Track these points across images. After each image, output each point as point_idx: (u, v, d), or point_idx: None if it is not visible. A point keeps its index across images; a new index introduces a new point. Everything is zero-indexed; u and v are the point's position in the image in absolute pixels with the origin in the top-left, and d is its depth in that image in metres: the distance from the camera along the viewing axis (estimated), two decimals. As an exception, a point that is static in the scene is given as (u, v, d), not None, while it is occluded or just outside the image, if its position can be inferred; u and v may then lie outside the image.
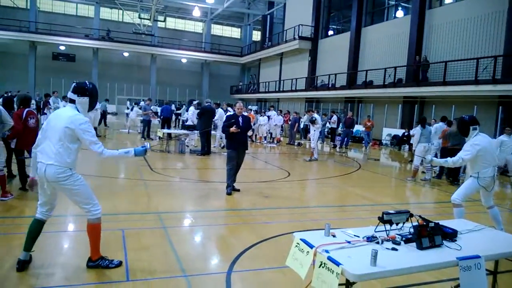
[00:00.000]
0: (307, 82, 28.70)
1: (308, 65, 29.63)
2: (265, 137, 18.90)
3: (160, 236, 4.73)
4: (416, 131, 10.19)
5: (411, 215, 3.01)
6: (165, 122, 15.84)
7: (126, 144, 14.46)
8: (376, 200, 7.67)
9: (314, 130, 12.47)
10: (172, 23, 43.62)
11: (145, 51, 38.82)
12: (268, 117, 18.95)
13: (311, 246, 2.58)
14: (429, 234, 2.72)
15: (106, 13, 40.92)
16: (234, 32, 47.10)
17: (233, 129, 7.04)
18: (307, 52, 29.66)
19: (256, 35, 44.64)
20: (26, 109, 6.33)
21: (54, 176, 3.35)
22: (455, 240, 2.91)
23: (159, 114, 18.52)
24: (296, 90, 29.49)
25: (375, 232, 2.93)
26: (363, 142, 19.30)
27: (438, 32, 18.98)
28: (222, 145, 14.49)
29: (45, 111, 15.31)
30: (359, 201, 7.63)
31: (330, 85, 25.39)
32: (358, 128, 21.61)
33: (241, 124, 7.19)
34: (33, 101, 25.95)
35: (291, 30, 30.22)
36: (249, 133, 12.64)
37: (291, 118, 20.28)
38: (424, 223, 2.79)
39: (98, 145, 3.45)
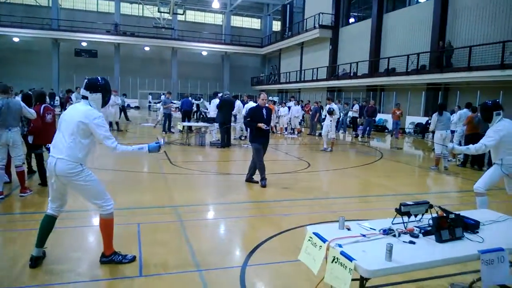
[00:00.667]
0: (328, 71, 28.25)
1: (329, 54, 29.15)
2: (285, 128, 18.76)
3: (176, 230, 4.73)
4: (432, 118, 9.85)
5: (431, 206, 2.87)
6: (186, 115, 15.91)
7: (146, 139, 14.65)
8: (398, 190, 7.47)
9: (331, 121, 12.25)
10: (192, 16, 43.69)
11: (166, 44, 39.13)
12: (289, 107, 18.78)
13: (324, 240, 2.50)
14: (449, 226, 2.58)
15: (127, 8, 41.35)
16: (254, 23, 46.78)
17: (261, 125, 6.88)
18: (328, 41, 29.16)
19: (276, 25, 44.19)
20: (43, 105, 6.44)
21: (64, 171, 3.34)
22: (477, 232, 2.75)
23: (179, 107, 18.63)
24: (317, 80, 29.09)
25: (392, 224, 2.82)
26: (393, 131, 18.44)
27: (462, 16, 18.23)
28: (243, 137, 14.48)
29: (67, 107, 15.66)
30: (381, 191, 7.45)
31: (351, 74, 24.91)
32: (381, 116, 21.13)
33: (265, 117, 7.08)
34: (57, 98, 26.59)
35: (311, 19, 29.75)
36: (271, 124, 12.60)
37: (311, 108, 20.02)
38: (444, 215, 2.65)
39: (111, 140, 3.44)
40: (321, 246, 2.51)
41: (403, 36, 21.99)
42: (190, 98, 17.36)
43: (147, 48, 40.07)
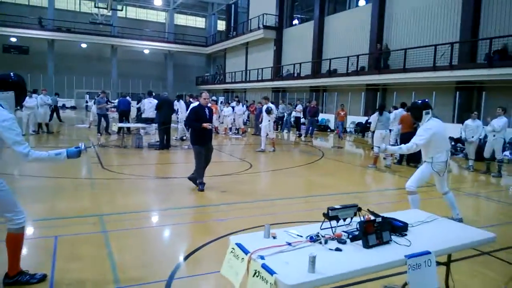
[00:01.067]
0: (273, 71, 28.46)
1: (274, 54, 29.39)
2: (230, 129, 18.53)
3: (98, 242, 4.29)
4: (372, 118, 10.15)
5: (359, 209, 2.76)
6: (123, 116, 15.12)
7: (78, 141, 13.71)
8: (340, 189, 7.51)
9: (269, 121, 12.17)
10: (133, 12, 42.14)
11: (105, 41, 37.34)
12: (233, 107, 18.57)
13: (246, 252, 2.28)
14: (376, 230, 2.47)
15: (62, 2, 38.90)
16: (198, 22, 46.08)
17: (206, 124, 6.51)
18: (272, 42, 29.39)
19: (221, 25, 43.85)
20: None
21: None
22: (406, 235, 2.68)
23: (117, 107, 17.71)
24: (262, 80, 29.21)
25: (321, 229, 2.67)
26: (338, 132, 18.81)
27: (398, 20, 19.14)
28: (184, 137, 14.02)
29: None
30: (322, 190, 7.44)
31: (295, 75, 25.26)
32: (323, 116, 21.60)
33: (207, 116, 6.74)
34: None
35: (256, 19, 29.81)
36: (215, 124, 12.24)
37: (256, 108, 19.95)
38: (371, 218, 2.54)
39: (23, 145, 2.97)
40: (243, 258, 2.28)
41: (343, 38, 22.67)
42: (128, 98, 16.57)
43: (84, 45, 37.95)
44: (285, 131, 20.27)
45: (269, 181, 8.53)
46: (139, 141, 11.96)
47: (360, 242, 2.47)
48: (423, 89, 17.12)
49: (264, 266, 2.08)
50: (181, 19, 44.72)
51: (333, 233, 2.59)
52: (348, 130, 20.89)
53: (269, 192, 7.41)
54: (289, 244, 2.40)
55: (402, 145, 5.07)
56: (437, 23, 17.10)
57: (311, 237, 2.50)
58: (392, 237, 2.58)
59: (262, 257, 2.18)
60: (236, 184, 7.66)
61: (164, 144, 11.71)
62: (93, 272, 3.55)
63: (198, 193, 6.61)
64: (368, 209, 2.83)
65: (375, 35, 19.74)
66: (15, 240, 3.17)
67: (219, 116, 18.10)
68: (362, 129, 19.16)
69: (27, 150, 2.99)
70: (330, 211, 2.64)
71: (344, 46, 22.33)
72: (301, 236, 2.55)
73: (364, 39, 20.73)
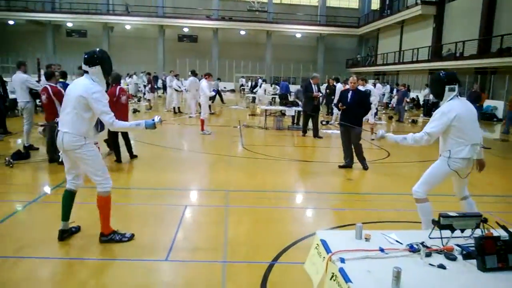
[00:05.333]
0: (431, 51, 25.53)
1: (433, 33, 26.27)
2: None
3: (219, 215, 4.61)
4: None
5: (485, 220, 2.23)
6: (283, 99, 15.26)
7: (230, 121, 14.90)
8: (492, 191, 6.30)
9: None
10: (288, -3, 43.10)
11: (261, 28, 39.40)
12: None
13: (328, 251, 2.09)
14: (499, 251, 1.95)
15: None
16: (351, 2, 44.32)
17: (339, 105, 7.26)
18: (431, 19, 26.27)
19: (376, 3, 41.27)
20: (118, 87, 6.84)
21: (69, 144, 3.42)
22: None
23: (277, 91, 18.56)
24: (417, 61, 26.53)
25: (430, 238, 2.26)
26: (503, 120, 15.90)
27: None
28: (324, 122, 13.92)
29: (155, 87, 16.79)
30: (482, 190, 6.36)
31: (458, 55, 22.11)
32: (489, 103, 18.46)
33: (348, 100, 7.09)
34: (159, 81, 28.53)
35: (414, -6, 27.06)
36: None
37: (398, 92, 18.22)
38: (493, 235, 2.01)
39: (109, 115, 3.42)
40: (324, 257, 2.11)
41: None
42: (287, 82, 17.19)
43: (242, 32, 40.83)
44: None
45: (407, 173, 7.72)
46: (279, 123, 12.34)
47: (474, 261, 1.99)
48: None
49: (341, 271, 1.87)
50: (334, 1, 43.76)
51: (443, 245, 2.16)
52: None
53: (404, 186, 6.72)
54: (382, 250, 2.10)
55: (409, 134, 3.67)
56: None
57: (412, 246, 2.13)
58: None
59: (342, 260, 1.96)
60: (366, 173, 7.16)
61: (307, 128, 11.44)
62: (207, 243, 3.85)
63: (324, 179, 6.47)
64: (497, 222, 2.27)
65: None
66: (105, 202, 3.62)
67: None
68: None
69: (112, 120, 3.42)
70: (442, 218, 2.21)
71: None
72: (401, 243, 2.21)
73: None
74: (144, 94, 19.73)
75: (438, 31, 25.84)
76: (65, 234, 3.70)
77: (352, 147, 7.19)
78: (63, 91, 5.84)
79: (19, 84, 7.72)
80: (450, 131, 3.47)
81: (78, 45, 37.77)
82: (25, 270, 3.21)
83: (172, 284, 3.12)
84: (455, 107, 3.46)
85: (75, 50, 33.29)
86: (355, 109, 7.02)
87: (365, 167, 7.15)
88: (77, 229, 3.87)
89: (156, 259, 3.45)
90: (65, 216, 3.69)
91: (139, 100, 19.22)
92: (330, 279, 1.95)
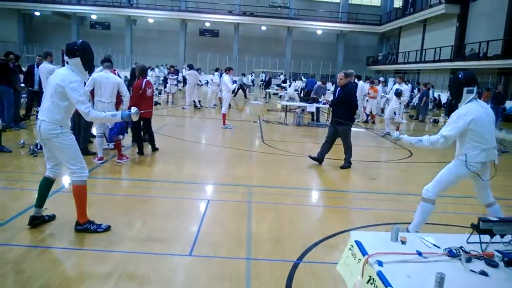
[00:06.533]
0: (453, 51, 24.92)
1: (456, 32, 25.64)
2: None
3: (242, 211, 4.59)
4: None
5: (527, 228, 2.14)
6: (308, 94, 15.10)
7: (251, 116, 14.87)
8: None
9: (400, 103, 10.97)
10: (309, -7, 42.68)
11: (282, 24, 39.16)
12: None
13: (364, 253, 2.04)
14: (546, 261, 1.87)
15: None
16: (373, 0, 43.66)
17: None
18: (455, 18, 25.65)
19: (398, 1, 40.50)
20: (145, 79, 6.88)
21: (45, 132, 3.46)
22: None
23: (303, 87, 18.49)
24: (439, 60, 25.95)
25: (467, 243, 2.19)
26: None
27: None
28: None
29: (168, 81, 17.08)
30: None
31: (481, 55, 21.53)
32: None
33: (335, 97, 7.12)
34: (180, 74, 28.80)
35: (437, -7, 26.43)
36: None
37: (419, 92, 18.03)
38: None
39: (85, 105, 3.45)
40: (360, 259, 2.06)
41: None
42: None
43: (263, 28, 40.67)
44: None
45: (430, 174, 7.55)
46: (299, 119, 12.26)
47: (518, 270, 1.92)
48: None
49: (379, 274, 1.82)
50: (357, -2, 43.13)
51: (483, 250, 2.09)
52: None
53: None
54: (420, 254, 2.04)
55: (424, 136, 3.64)
56: None
57: (451, 251, 2.07)
58: None
59: (380, 263, 1.91)
60: (389, 172, 7.09)
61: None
62: (230, 238, 3.82)
63: (347, 177, 6.40)
64: (541, 230, 2.17)
65: None
66: (80, 191, 3.61)
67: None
68: None
69: (88, 110, 3.46)
70: (481, 222, 2.13)
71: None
72: (438, 247, 2.14)
73: None
74: (165, 86, 19.86)
75: (461, 31, 25.22)
76: (37, 221, 3.70)
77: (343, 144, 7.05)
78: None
79: (45, 74, 7.85)
80: (467, 134, 3.43)
81: (101, 37, 38.47)
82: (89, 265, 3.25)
83: (197, 279, 3.11)
84: (472, 110, 3.41)
85: (99, 42, 33.88)
86: (341, 105, 6.90)
87: (345, 166, 6.90)
88: (51, 217, 3.86)
89: (180, 254, 3.45)
90: (39, 202, 3.71)
91: (160, 93, 19.32)
92: (367, 282, 1.90)
